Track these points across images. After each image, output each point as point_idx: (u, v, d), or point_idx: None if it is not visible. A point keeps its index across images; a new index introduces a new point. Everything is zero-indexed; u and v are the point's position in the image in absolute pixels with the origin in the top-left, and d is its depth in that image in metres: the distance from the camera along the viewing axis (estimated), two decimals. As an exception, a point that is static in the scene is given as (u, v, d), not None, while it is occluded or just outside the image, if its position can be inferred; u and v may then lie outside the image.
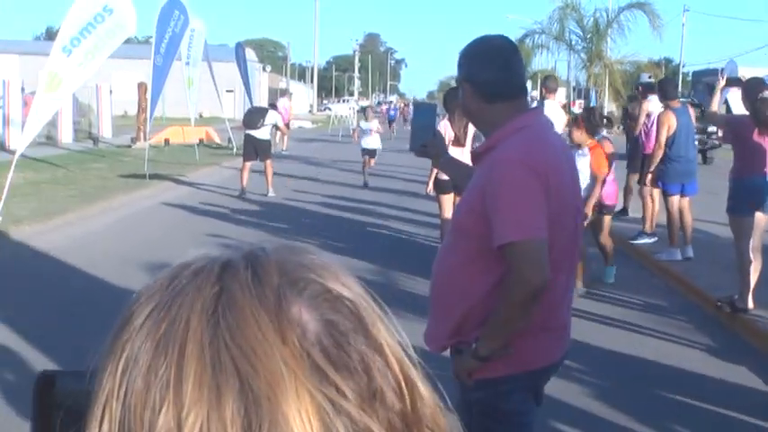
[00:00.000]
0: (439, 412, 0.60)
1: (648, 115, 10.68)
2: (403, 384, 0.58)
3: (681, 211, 9.26)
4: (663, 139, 9.08)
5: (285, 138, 25.31)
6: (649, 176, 9.73)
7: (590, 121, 7.57)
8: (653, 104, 10.54)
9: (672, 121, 9.01)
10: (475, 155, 2.72)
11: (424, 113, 2.97)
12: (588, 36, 27.03)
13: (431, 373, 0.61)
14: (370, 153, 16.90)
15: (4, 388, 5.07)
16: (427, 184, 9.10)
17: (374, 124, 16.96)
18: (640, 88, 11.86)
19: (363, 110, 17.91)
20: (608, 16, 26.66)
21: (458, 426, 0.63)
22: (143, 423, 0.53)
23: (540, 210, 2.42)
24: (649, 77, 11.58)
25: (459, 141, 8.09)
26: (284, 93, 31.59)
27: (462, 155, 6.29)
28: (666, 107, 9.30)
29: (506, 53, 2.64)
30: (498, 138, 2.56)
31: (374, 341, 0.58)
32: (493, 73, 2.59)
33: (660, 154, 9.21)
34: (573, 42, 27.61)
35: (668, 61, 73.66)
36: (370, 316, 0.59)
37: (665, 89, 9.50)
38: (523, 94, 2.69)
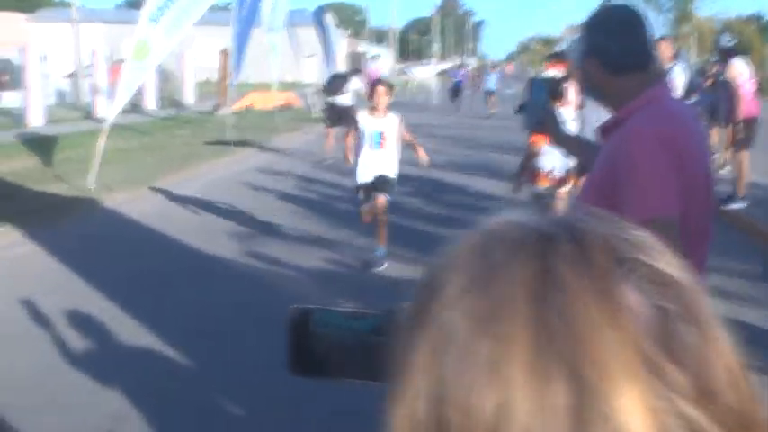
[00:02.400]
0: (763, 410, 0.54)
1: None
2: (737, 381, 0.52)
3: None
4: None
5: None
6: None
7: None
8: (740, 67, 10.34)
9: None
10: (603, 129, 2.61)
11: (538, 90, 2.95)
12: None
13: (760, 367, 0.53)
14: (377, 188, 7.30)
15: (99, 349, 5.20)
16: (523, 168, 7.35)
17: (391, 122, 7.34)
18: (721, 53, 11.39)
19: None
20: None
21: None
22: (460, 403, 0.50)
23: (672, 187, 2.30)
24: (729, 41, 11.03)
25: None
26: (375, 58, 31.36)
27: None
28: None
29: (632, 22, 2.54)
30: (628, 111, 2.46)
31: (705, 332, 0.52)
32: (619, 44, 2.49)
33: None
34: (661, 2, 26.79)
35: (759, 18, 70.75)
36: (699, 303, 0.53)
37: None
38: (651, 65, 2.56)
